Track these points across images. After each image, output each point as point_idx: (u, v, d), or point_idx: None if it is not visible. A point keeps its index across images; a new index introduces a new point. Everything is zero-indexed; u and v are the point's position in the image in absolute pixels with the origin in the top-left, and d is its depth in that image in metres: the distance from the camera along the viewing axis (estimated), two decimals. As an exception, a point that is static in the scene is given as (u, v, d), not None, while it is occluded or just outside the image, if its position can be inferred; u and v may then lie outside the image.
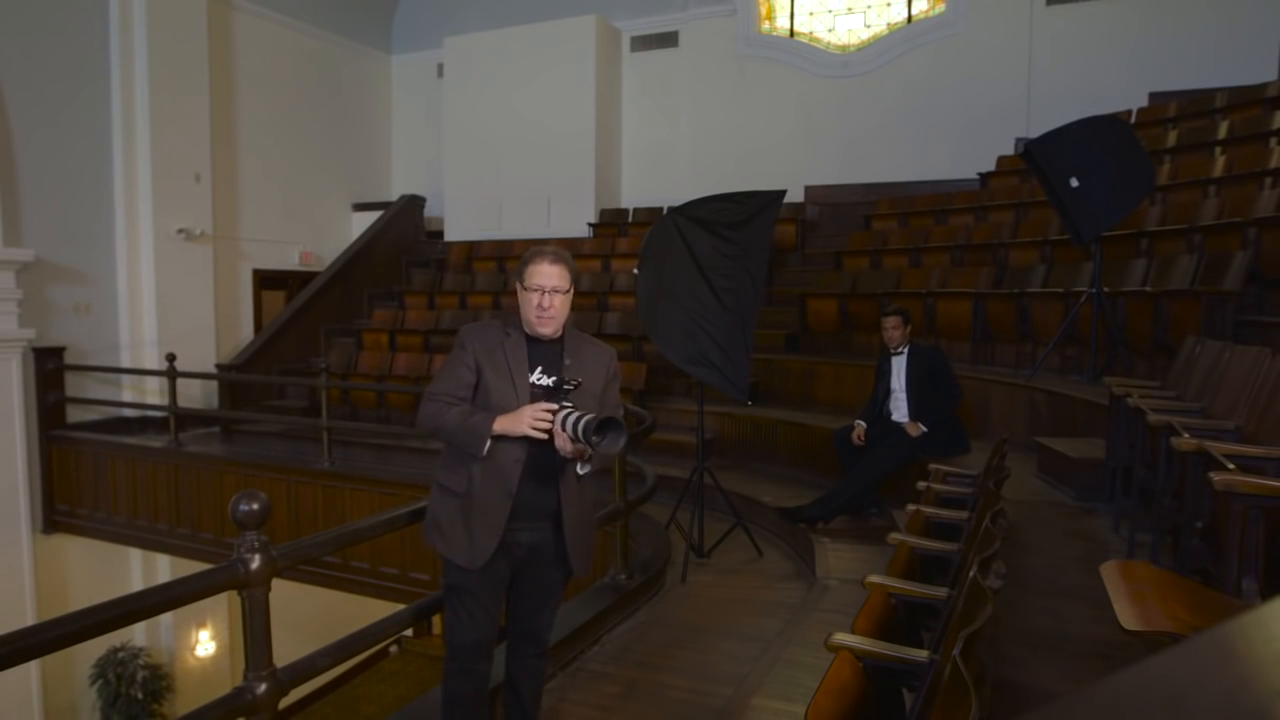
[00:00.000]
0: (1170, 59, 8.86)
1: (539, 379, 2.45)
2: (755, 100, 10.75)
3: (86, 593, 8.02)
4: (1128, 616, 1.82)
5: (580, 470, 2.43)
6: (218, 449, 8.30)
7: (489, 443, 2.33)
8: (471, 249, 11.39)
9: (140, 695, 8.36)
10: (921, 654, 1.84)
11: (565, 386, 2.39)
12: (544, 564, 2.52)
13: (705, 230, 4.79)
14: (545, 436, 2.30)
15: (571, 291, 2.47)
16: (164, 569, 8.51)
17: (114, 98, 8.78)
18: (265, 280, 10.86)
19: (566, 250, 2.54)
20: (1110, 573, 2.10)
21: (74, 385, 8.56)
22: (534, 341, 2.47)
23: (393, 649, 10.93)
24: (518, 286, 2.48)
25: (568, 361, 2.46)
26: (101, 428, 8.61)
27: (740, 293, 4.77)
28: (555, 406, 2.30)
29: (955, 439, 5.05)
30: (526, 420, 2.29)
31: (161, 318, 9.09)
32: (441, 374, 2.47)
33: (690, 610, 4.18)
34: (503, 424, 2.32)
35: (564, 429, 2.28)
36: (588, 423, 2.23)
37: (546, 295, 2.40)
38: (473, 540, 2.40)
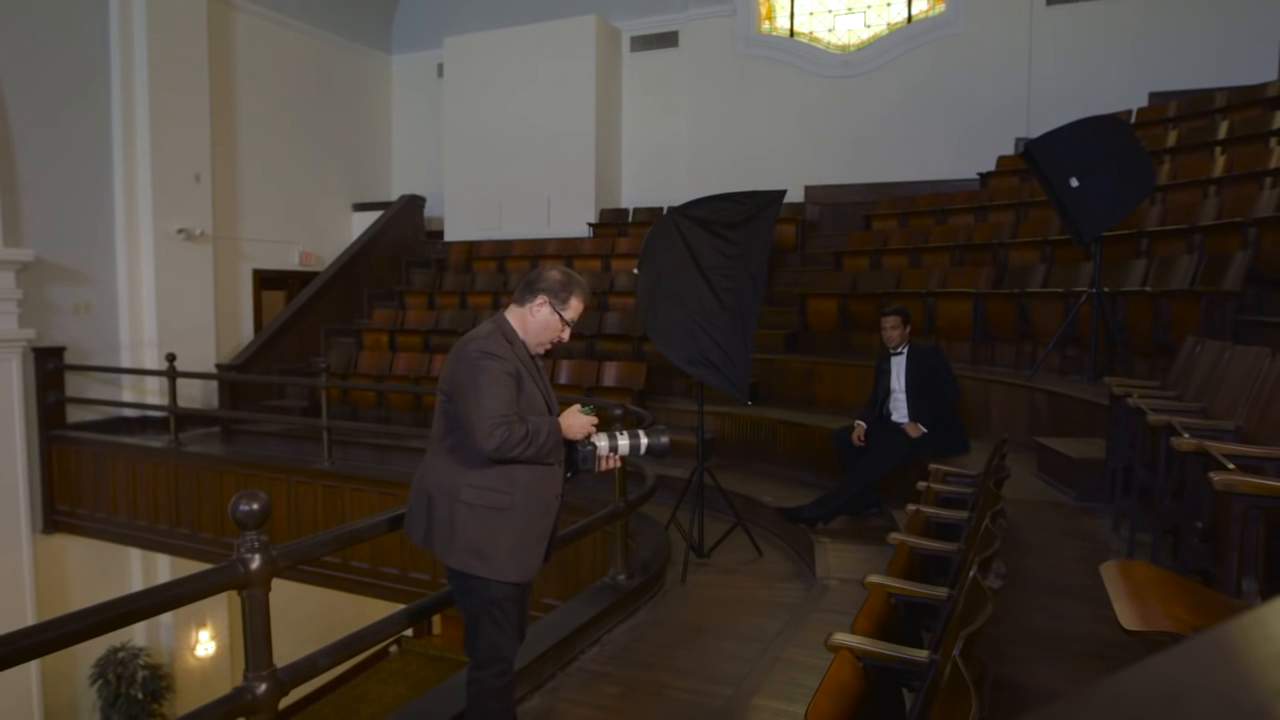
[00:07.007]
0: (1170, 59, 8.86)
1: None
2: (755, 100, 10.75)
3: (86, 593, 8.02)
4: (1128, 616, 1.82)
5: (569, 471, 2.51)
6: (218, 449, 8.30)
7: None
8: (471, 249, 11.38)
9: (140, 695, 8.36)
10: (921, 654, 1.84)
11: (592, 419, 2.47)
12: None
13: (705, 230, 4.79)
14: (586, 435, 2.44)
15: None
16: (164, 569, 8.52)
17: (114, 98, 8.78)
18: (265, 280, 10.86)
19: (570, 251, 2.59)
20: (1110, 573, 2.10)
21: (74, 385, 8.56)
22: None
23: (393, 649, 10.94)
24: (545, 304, 2.42)
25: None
26: (101, 428, 8.61)
27: (740, 293, 4.77)
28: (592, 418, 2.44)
29: (955, 439, 5.05)
30: (579, 426, 2.38)
31: (161, 318, 9.09)
32: (488, 392, 2.25)
33: (690, 610, 4.18)
34: (566, 430, 2.39)
35: (624, 453, 2.45)
36: (634, 446, 2.43)
37: (569, 329, 2.47)
38: (524, 552, 2.38)
